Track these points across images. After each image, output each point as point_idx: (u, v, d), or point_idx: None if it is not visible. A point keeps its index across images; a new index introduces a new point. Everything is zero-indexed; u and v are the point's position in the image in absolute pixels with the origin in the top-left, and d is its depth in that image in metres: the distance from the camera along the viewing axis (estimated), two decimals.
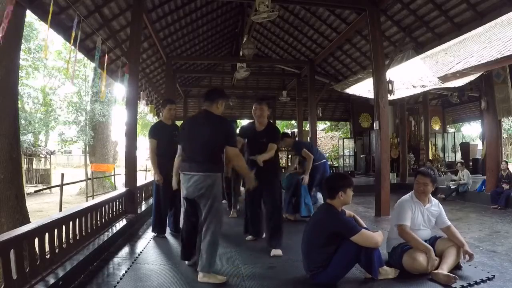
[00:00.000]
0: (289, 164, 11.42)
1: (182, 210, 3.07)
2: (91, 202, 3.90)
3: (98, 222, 3.73)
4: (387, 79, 5.83)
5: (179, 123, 5.31)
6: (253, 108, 3.65)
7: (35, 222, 2.72)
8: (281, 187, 3.86)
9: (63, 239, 2.87)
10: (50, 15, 3.60)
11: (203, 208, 2.70)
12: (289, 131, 18.10)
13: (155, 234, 4.08)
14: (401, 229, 2.73)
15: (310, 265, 2.60)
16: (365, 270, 2.58)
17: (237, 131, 4.38)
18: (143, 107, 9.43)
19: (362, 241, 2.45)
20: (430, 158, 12.00)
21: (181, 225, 4.13)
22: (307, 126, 11.79)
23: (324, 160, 5.37)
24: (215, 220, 2.68)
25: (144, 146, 19.85)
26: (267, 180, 3.45)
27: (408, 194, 2.95)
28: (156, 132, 4.09)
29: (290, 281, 2.70)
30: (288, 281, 2.70)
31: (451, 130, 17.75)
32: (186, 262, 3.00)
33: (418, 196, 2.87)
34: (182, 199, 2.94)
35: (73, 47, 4.28)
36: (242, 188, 5.63)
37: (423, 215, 2.85)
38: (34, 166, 17.05)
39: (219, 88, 3.11)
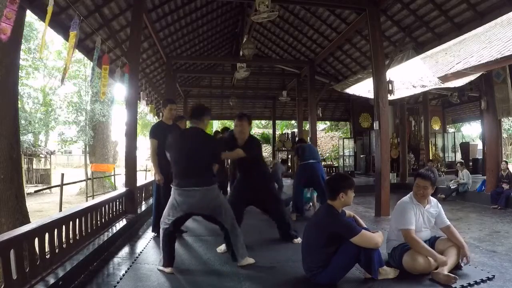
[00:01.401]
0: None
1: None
2: (91, 202, 3.89)
3: (98, 222, 3.72)
4: (387, 79, 5.82)
5: None
6: (234, 124, 3.64)
7: (35, 222, 2.72)
8: (274, 188, 4.00)
9: (63, 239, 2.87)
10: (49, 14, 3.59)
11: (219, 217, 2.94)
12: (289, 131, 18.13)
13: (155, 234, 4.07)
14: (407, 234, 2.69)
15: (310, 265, 2.60)
16: (365, 270, 2.58)
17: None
18: (143, 107, 9.43)
19: (362, 242, 2.45)
20: (430, 158, 12.00)
21: (183, 226, 4.15)
22: (307, 126, 11.79)
23: (311, 161, 5.28)
24: (232, 219, 3.01)
25: (144, 146, 19.88)
26: (260, 188, 3.65)
27: (408, 196, 2.92)
28: (157, 132, 4.08)
29: (290, 281, 2.69)
30: (288, 281, 2.70)
31: (451, 130, 17.76)
32: (169, 269, 2.84)
33: (417, 198, 2.85)
34: (172, 212, 2.91)
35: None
36: None
37: (423, 217, 2.84)
38: (34, 166, 17.06)
39: (203, 106, 3.24)
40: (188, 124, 3.48)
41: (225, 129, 7.68)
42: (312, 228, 2.67)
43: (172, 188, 2.94)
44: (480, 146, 13.87)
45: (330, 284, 2.54)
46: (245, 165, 3.64)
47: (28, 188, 12.27)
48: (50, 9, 3.22)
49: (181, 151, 2.93)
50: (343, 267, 2.53)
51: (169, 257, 2.88)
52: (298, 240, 3.62)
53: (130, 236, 4.12)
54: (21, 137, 6.42)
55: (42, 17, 4.26)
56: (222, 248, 3.46)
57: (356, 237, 2.44)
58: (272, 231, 3.97)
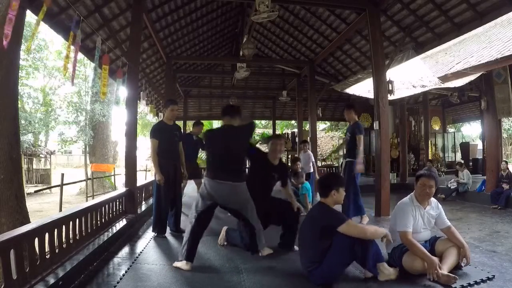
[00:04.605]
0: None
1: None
2: (91, 202, 3.89)
3: (98, 222, 3.72)
4: (387, 79, 5.82)
5: (179, 123, 5.32)
6: (274, 143, 3.63)
7: (35, 222, 2.72)
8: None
9: (63, 239, 2.87)
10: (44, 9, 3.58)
11: (245, 212, 3.11)
12: (289, 131, 18.14)
13: (155, 234, 4.07)
14: (403, 236, 2.70)
15: (306, 262, 2.64)
16: (361, 265, 2.58)
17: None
18: (143, 107, 9.43)
19: (349, 230, 2.50)
20: (430, 158, 12.00)
21: (182, 226, 4.12)
22: (307, 126, 11.79)
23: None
24: (254, 216, 3.15)
25: (144, 146, 19.88)
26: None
27: (408, 197, 2.91)
28: (157, 132, 4.07)
29: (290, 281, 2.69)
30: (288, 281, 2.69)
31: (451, 130, 17.75)
32: (188, 265, 2.89)
33: (421, 199, 2.83)
34: (201, 202, 3.02)
35: (72, 47, 4.27)
36: None
37: (423, 218, 2.84)
38: (34, 166, 17.07)
39: (232, 105, 3.44)
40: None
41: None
42: (307, 224, 2.73)
43: (205, 180, 3.05)
44: (480, 146, 13.86)
45: (328, 283, 2.54)
46: (269, 185, 3.67)
47: (28, 188, 12.26)
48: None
49: (224, 147, 3.08)
50: (338, 262, 2.53)
51: (190, 252, 2.92)
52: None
53: (130, 236, 4.12)
54: (21, 137, 6.42)
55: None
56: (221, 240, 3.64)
57: (343, 225, 2.50)
58: (272, 232, 3.96)
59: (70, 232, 3.00)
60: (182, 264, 2.91)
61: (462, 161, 10.89)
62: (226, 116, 3.15)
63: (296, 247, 3.43)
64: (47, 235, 2.61)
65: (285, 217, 3.52)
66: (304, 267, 2.66)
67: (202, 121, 6.32)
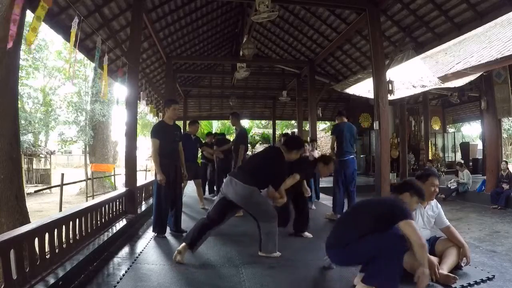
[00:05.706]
0: None
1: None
2: (91, 202, 3.89)
3: (98, 222, 3.72)
4: (387, 79, 5.83)
5: (178, 123, 5.33)
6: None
7: (35, 222, 2.72)
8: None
9: (63, 239, 2.87)
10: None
11: (252, 212, 3.21)
12: (289, 131, 18.14)
13: (155, 234, 4.07)
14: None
15: (334, 240, 2.50)
16: (362, 269, 2.42)
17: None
18: (143, 107, 9.43)
19: (407, 228, 2.26)
20: (430, 158, 12.02)
21: (183, 226, 4.12)
22: (307, 126, 11.80)
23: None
24: (263, 220, 3.19)
25: (144, 146, 19.88)
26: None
27: None
28: (158, 132, 4.05)
29: (290, 281, 2.69)
30: (288, 281, 2.69)
31: (451, 130, 17.76)
32: (182, 246, 3.08)
33: (428, 198, 2.80)
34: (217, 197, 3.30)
35: (73, 47, 4.27)
36: None
37: (423, 218, 2.85)
38: (34, 166, 17.05)
39: (294, 139, 3.67)
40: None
41: (209, 133, 7.85)
42: (365, 206, 2.60)
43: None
44: (480, 146, 13.87)
45: (337, 264, 2.61)
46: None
47: (28, 188, 12.25)
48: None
49: (255, 156, 3.62)
50: (359, 255, 2.35)
51: (188, 234, 3.14)
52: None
53: (130, 236, 4.12)
54: (21, 137, 6.42)
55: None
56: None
57: (403, 221, 2.26)
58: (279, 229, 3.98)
59: (70, 232, 3.00)
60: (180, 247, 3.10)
61: (462, 161, 10.91)
62: (284, 144, 3.46)
63: (308, 234, 3.83)
64: (47, 235, 2.61)
65: (297, 201, 3.91)
66: (328, 242, 2.53)
67: (198, 120, 6.35)
